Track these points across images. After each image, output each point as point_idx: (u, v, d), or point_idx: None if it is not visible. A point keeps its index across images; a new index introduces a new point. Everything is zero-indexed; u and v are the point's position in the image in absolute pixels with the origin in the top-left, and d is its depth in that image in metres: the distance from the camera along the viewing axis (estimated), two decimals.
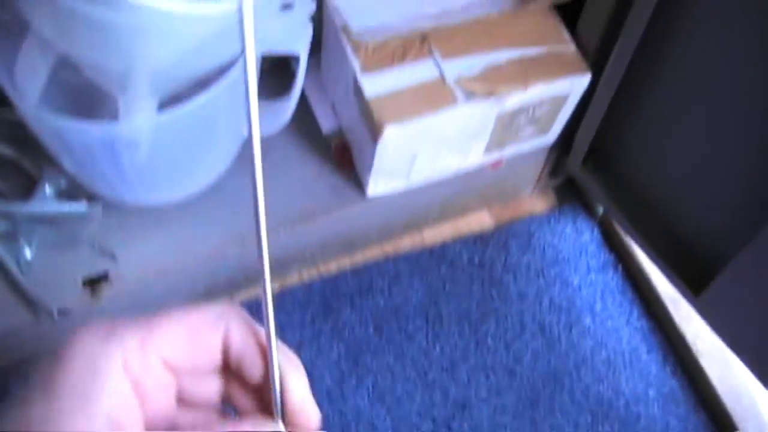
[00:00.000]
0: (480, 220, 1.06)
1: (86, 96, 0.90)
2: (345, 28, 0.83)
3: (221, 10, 0.64)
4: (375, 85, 0.81)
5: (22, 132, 0.92)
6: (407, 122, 0.80)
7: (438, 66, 0.83)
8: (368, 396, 0.92)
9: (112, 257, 0.88)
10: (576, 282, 1.02)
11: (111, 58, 0.71)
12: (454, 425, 0.91)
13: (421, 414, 0.92)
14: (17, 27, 0.80)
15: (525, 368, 0.95)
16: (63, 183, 0.89)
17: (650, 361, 0.98)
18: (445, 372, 0.94)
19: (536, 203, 1.09)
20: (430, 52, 0.84)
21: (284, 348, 0.38)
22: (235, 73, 0.75)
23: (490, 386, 0.94)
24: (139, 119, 0.79)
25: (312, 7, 0.70)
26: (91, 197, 0.89)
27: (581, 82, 0.86)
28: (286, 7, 0.70)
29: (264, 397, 0.38)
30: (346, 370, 0.93)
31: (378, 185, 0.91)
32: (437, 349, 0.95)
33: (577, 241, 1.05)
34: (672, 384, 0.97)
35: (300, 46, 0.76)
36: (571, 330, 0.98)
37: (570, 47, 0.87)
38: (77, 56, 0.74)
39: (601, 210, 1.06)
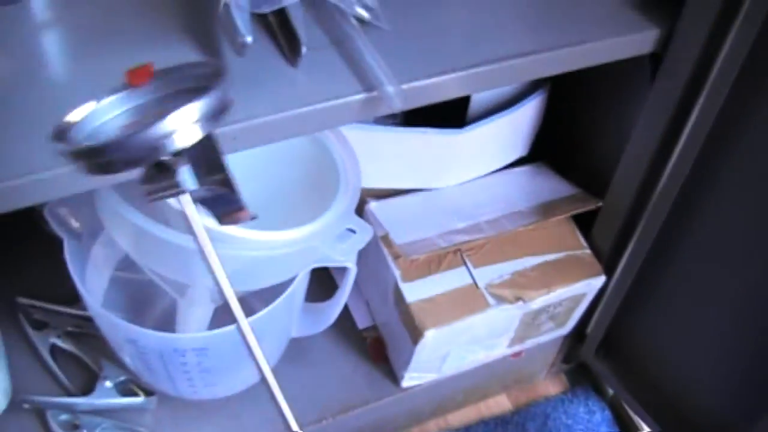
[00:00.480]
0: (499, 403, 1.14)
1: (143, 292, 0.98)
2: (386, 240, 0.93)
3: (290, 237, 0.73)
4: (415, 291, 0.91)
5: (83, 328, 1.00)
6: (445, 326, 0.89)
7: (470, 273, 0.92)
8: None
9: None
10: None
11: (176, 273, 0.79)
12: None
13: None
14: (91, 230, 0.89)
15: None
16: (122, 378, 0.96)
17: None
18: None
19: (550, 386, 1.17)
20: (463, 261, 0.93)
21: None
22: (288, 291, 0.83)
23: None
24: (196, 323, 0.88)
25: (371, 233, 0.80)
26: (148, 392, 0.96)
27: (596, 282, 0.96)
28: (350, 231, 0.79)
29: None
30: None
31: (412, 379, 0.99)
32: None
33: (589, 421, 1.13)
34: None
35: (350, 260, 0.85)
36: None
37: (586, 251, 0.97)
38: (145, 267, 0.81)
39: (611, 391, 1.15)
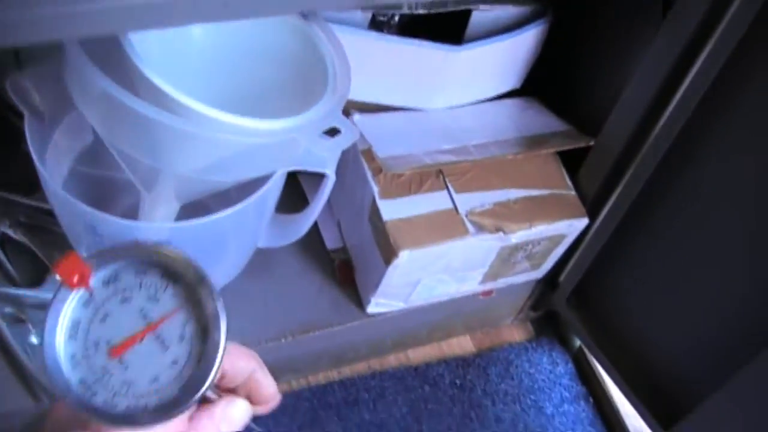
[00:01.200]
0: (462, 345, 1.11)
1: (101, 190, 0.93)
2: (367, 154, 0.89)
3: (274, 126, 0.69)
4: (392, 209, 0.87)
5: (37, 221, 0.95)
6: (421, 248, 0.85)
7: (452, 198, 0.89)
8: None
9: None
10: (550, 411, 1.06)
11: (151, 155, 0.74)
12: None
13: None
14: (54, 113, 0.84)
15: None
16: None
17: None
18: None
19: (515, 332, 1.14)
20: (445, 185, 0.89)
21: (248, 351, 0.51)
22: (260, 192, 0.79)
23: None
24: (160, 220, 0.83)
25: (357, 135, 0.75)
26: None
27: (579, 224, 0.93)
28: (334, 131, 0.75)
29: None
30: None
31: (378, 305, 0.95)
32: None
33: (552, 372, 1.10)
34: None
35: (330, 166, 0.81)
36: None
37: (570, 192, 0.94)
38: (117, 148, 0.76)
39: (576, 344, 1.12)
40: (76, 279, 0.44)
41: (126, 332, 0.45)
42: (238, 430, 0.51)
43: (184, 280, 0.47)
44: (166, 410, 0.44)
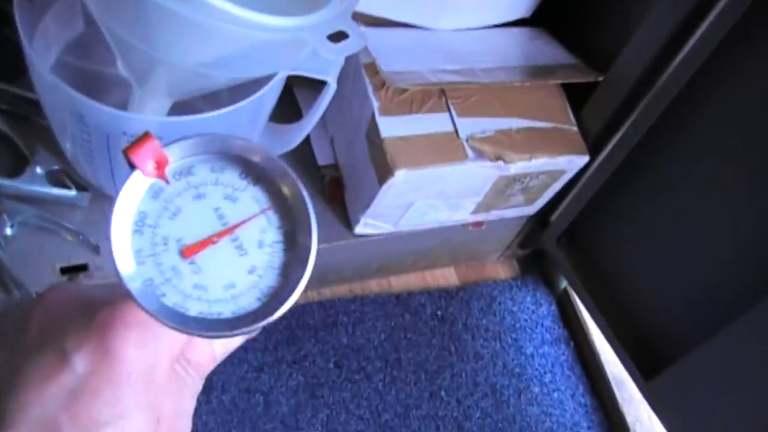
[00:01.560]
0: (446, 276, 1.09)
1: (88, 84, 0.90)
2: (370, 68, 0.85)
3: (282, 23, 0.65)
4: (391, 127, 0.84)
5: (19, 109, 0.91)
6: (417, 169, 0.82)
7: (453, 122, 0.86)
8: (322, 428, 0.92)
9: (95, 249, 0.87)
10: (530, 351, 1.05)
11: (150, 42, 0.71)
12: None
13: None
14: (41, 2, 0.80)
15: (473, 425, 0.97)
16: (54, 167, 0.88)
17: None
18: (398, 417, 0.95)
19: (500, 269, 1.12)
20: (447, 108, 0.86)
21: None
22: (258, 94, 0.75)
23: None
24: (152, 114, 0.80)
25: (364, 42, 0.72)
26: (81, 186, 0.88)
27: (579, 161, 0.90)
28: (341, 35, 0.71)
29: None
30: (303, 401, 0.93)
31: (366, 226, 0.92)
32: (393, 392, 0.97)
33: (534, 312, 1.09)
34: None
35: (333, 73, 0.78)
36: (520, 395, 1.01)
37: (573, 128, 0.91)
38: (114, 32, 0.73)
39: (561, 287, 1.10)
40: (151, 166, 0.39)
41: (199, 232, 0.40)
42: (229, 352, 0.46)
43: (267, 181, 0.41)
44: (242, 321, 0.39)
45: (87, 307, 0.40)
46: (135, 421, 0.37)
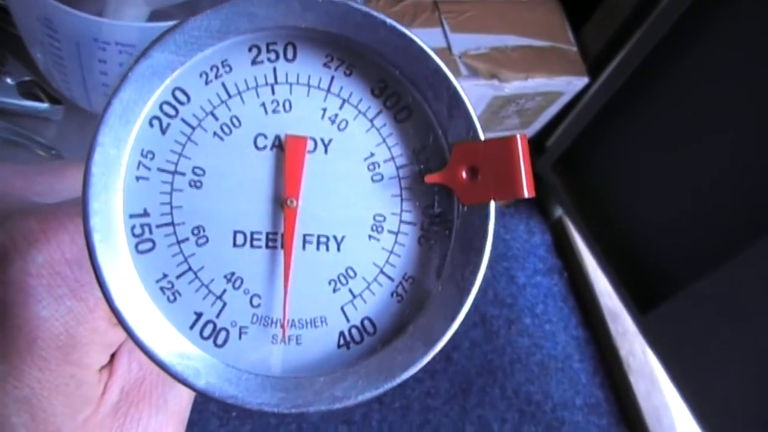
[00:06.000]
0: None
1: None
2: None
3: None
4: None
5: None
6: None
7: (446, 37, 0.81)
8: None
9: None
10: (522, 281, 1.02)
11: None
12: (385, 399, 0.90)
13: None
14: None
15: (461, 356, 0.95)
16: (26, 78, 0.84)
17: (581, 370, 0.99)
18: None
19: None
20: (440, 22, 0.82)
21: None
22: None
23: (425, 368, 0.93)
24: (130, 19, 0.76)
25: None
26: (55, 99, 0.84)
27: (578, 82, 0.86)
28: None
29: None
30: None
31: None
32: None
33: (528, 241, 1.05)
34: (598, 395, 0.98)
35: None
36: (510, 327, 0.98)
37: (572, 48, 0.86)
38: None
39: (555, 216, 1.07)
40: None
41: None
42: None
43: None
44: None
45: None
46: None
